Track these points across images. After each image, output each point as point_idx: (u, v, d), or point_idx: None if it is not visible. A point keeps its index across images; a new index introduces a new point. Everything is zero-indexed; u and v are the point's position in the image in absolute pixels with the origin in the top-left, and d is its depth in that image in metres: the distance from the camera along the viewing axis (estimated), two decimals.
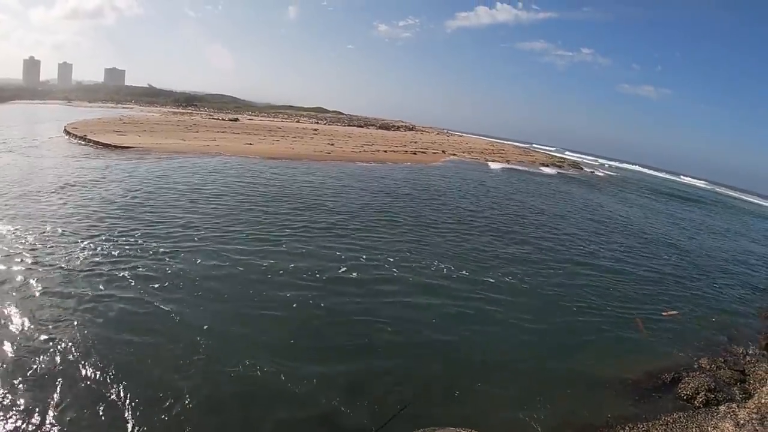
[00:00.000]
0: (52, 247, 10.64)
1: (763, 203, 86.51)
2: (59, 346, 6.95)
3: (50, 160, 21.74)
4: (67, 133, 32.80)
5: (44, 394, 5.93)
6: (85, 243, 11.02)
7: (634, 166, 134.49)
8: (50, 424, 5.50)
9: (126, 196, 15.86)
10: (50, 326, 7.46)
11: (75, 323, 7.62)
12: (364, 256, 12.48)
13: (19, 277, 9.00)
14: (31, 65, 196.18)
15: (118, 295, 8.72)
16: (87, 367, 6.56)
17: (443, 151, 52.87)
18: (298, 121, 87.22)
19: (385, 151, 43.40)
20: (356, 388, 6.93)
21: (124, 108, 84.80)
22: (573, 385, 7.96)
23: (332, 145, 43.28)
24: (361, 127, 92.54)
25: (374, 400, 6.69)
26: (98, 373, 6.47)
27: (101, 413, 5.76)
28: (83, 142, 29.27)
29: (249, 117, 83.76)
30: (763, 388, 8.30)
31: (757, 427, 6.86)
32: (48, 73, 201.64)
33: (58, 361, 6.65)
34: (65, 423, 5.54)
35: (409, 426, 5.98)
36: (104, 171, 20.06)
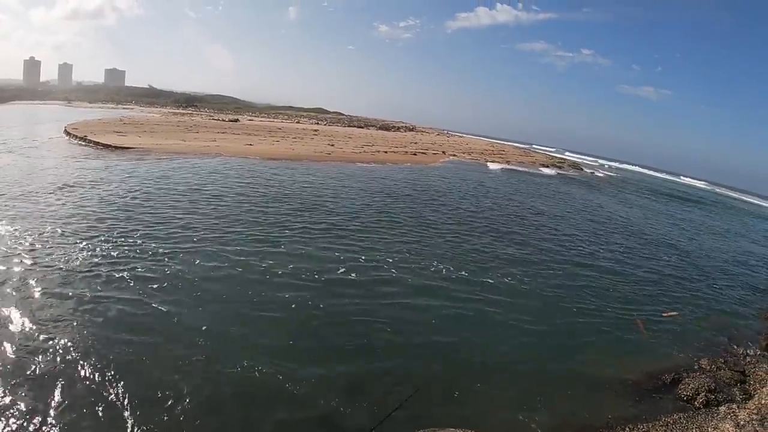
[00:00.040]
0: (52, 247, 10.63)
1: (763, 204, 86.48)
2: (58, 347, 6.94)
3: (50, 161, 21.74)
4: (68, 133, 32.81)
5: (44, 395, 5.92)
6: (85, 243, 11.02)
7: (634, 167, 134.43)
8: (50, 424, 5.49)
9: (126, 197, 15.86)
10: (49, 327, 7.45)
11: (74, 324, 7.61)
12: (364, 257, 12.48)
13: (19, 278, 8.99)
14: (32, 66, 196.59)
15: (117, 296, 8.72)
16: (86, 367, 6.55)
17: (443, 152, 52.88)
18: (298, 122, 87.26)
19: (386, 152, 43.41)
20: (356, 388, 6.92)
21: (124, 109, 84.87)
22: (573, 385, 7.95)
23: (332, 145, 43.29)
24: (362, 127, 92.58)
25: (374, 400, 6.68)
26: (98, 373, 6.46)
27: (101, 414, 5.75)
28: (83, 143, 29.28)
29: (249, 118, 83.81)
30: (764, 389, 8.29)
31: (758, 428, 6.85)
32: (48, 73, 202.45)
33: (58, 361, 6.64)
34: (65, 423, 5.53)
35: (408, 427, 5.98)
36: (104, 171, 20.06)
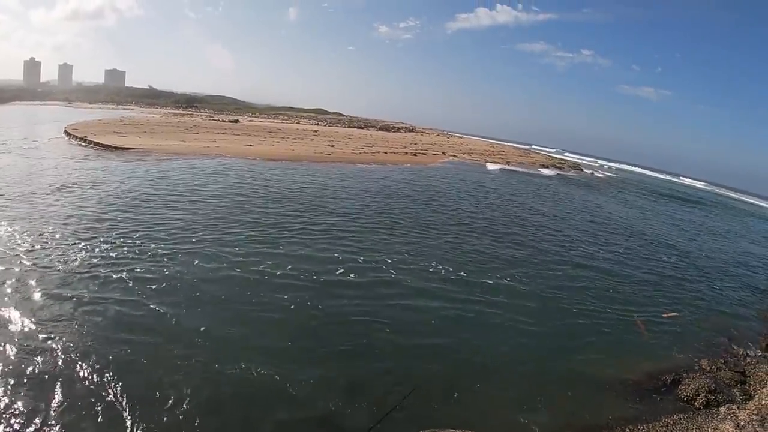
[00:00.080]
0: (51, 248, 10.63)
1: (764, 204, 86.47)
2: (58, 347, 6.93)
3: (50, 161, 21.73)
4: (68, 134, 32.81)
5: (43, 396, 5.91)
6: (84, 244, 11.01)
7: (633, 168, 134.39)
8: (50, 424, 5.48)
9: (125, 198, 15.85)
10: (49, 327, 7.44)
11: (73, 324, 7.60)
12: (363, 258, 12.47)
13: (18, 279, 8.98)
14: (32, 66, 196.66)
15: (116, 296, 8.71)
16: (86, 368, 6.54)
17: (443, 153, 52.90)
18: (298, 123, 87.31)
19: (386, 153, 43.43)
20: (355, 388, 6.91)
21: (124, 109, 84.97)
22: (573, 386, 7.94)
23: (332, 146, 43.30)
24: (362, 128, 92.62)
25: (374, 400, 6.67)
26: (97, 374, 6.45)
27: (100, 414, 5.74)
28: (83, 143, 29.28)
29: (249, 118, 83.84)
30: (764, 390, 8.28)
31: (758, 429, 6.84)
32: (48, 74, 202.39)
33: (57, 362, 6.63)
34: (65, 424, 5.52)
35: (408, 427, 5.97)
36: (104, 172, 20.06)
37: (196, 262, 10.70)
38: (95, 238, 11.52)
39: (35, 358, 6.65)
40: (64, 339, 7.15)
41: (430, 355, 8.20)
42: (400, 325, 9.07)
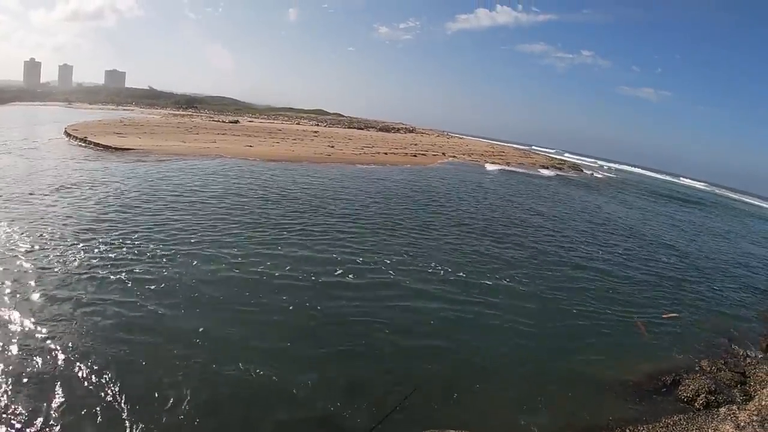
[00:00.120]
0: (50, 249, 10.62)
1: (764, 205, 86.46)
2: (57, 348, 6.92)
3: (50, 162, 21.73)
4: (68, 134, 32.84)
5: (42, 397, 5.90)
6: (83, 245, 11.01)
7: (633, 168, 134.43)
8: (49, 425, 5.47)
9: (125, 198, 15.85)
10: (47, 328, 7.43)
11: (72, 325, 7.60)
12: (362, 259, 12.47)
13: (18, 279, 8.97)
14: (32, 67, 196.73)
15: (115, 297, 8.70)
16: (85, 369, 6.53)
17: (443, 154, 52.93)
18: (298, 123, 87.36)
19: (386, 153, 43.45)
20: (355, 389, 6.90)
21: (124, 110, 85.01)
22: (573, 387, 7.93)
23: (332, 147, 43.32)
24: (362, 129, 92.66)
25: (373, 401, 6.66)
26: (96, 375, 6.44)
27: (99, 415, 5.73)
28: (83, 144, 29.29)
29: (249, 119, 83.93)
30: (764, 390, 8.27)
31: (758, 429, 6.83)
32: (48, 74, 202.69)
33: (56, 363, 6.62)
34: (64, 425, 5.51)
35: (409, 428, 5.96)
36: (104, 173, 20.06)
37: (196, 262, 10.70)
38: (94, 238, 11.51)
39: (34, 358, 6.64)
40: (63, 340, 7.15)
41: (430, 356, 8.18)
42: (399, 326, 9.05)
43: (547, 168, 57.67)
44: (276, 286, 10.04)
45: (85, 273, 9.53)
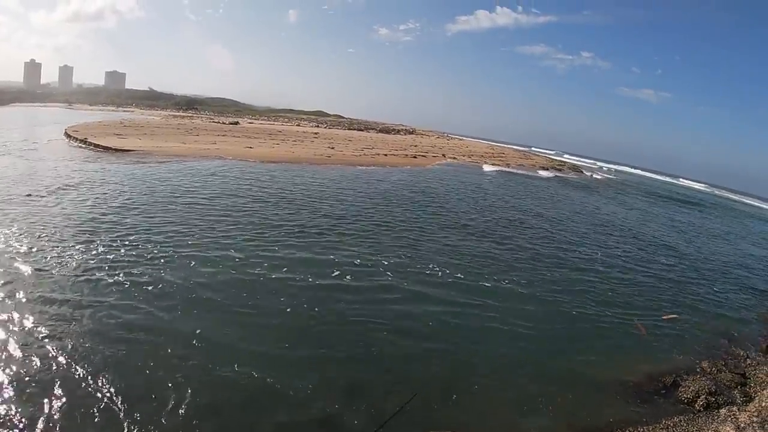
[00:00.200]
0: (49, 250, 10.61)
1: (764, 206, 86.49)
2: (55, 350, 6.90)
3: (50, 163, 21.74)
4: (68, 136, 32.87)
5: (41, 398, 5.89)
6: (82, 246, 11.00)
7: (633, 170, 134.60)
8: (48, 426, 5.46)
9: (124, 200, 15.85)
10: (46, 330, 7.42)
11: (71, 327, 7.58)
12: (360, 261, 12.46)
13: (16, 280, 8.96)
14: (32, 68, 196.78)
15: (113, 299, 8.69)
16: (83, 371, 6.52)
17: (443, 155, 52.97)
18: (298, 125, 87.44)
19: (385, 155, 43.46)
20: (354, 392, 6.88)
21: (124, 111, 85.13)
22: (574, 388, 7.91)
23: (332, 148, 43.35)
24: (362, 130, 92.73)
25: (373, 403, 6.64)
26: (94, 376, 6.42)
27: (97, 416, 5.71)
28: (83, 145, 29.31)
29: (249, 120, 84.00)
30: (764, 392, 8.26)
31: (758, 430, 6.82)
32: (49, 75, 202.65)
33: (54, 365, 6.61)
34: (63, 425, 5.50)
35: (408, 429, 5.94)
36: (103, 174, 20.06)
37: (194, 264, 10.69)
38: (93, 240, 11.50)
39: (33, 359, 6.62)
40: (61, 341, 7.13)
41: (429, 358, 8.17)
42: (398, 327, 9.04)
43: (547, 169, 57.69)
44: (275, 287, 10.03)
45: (84, 274, 9.52)
